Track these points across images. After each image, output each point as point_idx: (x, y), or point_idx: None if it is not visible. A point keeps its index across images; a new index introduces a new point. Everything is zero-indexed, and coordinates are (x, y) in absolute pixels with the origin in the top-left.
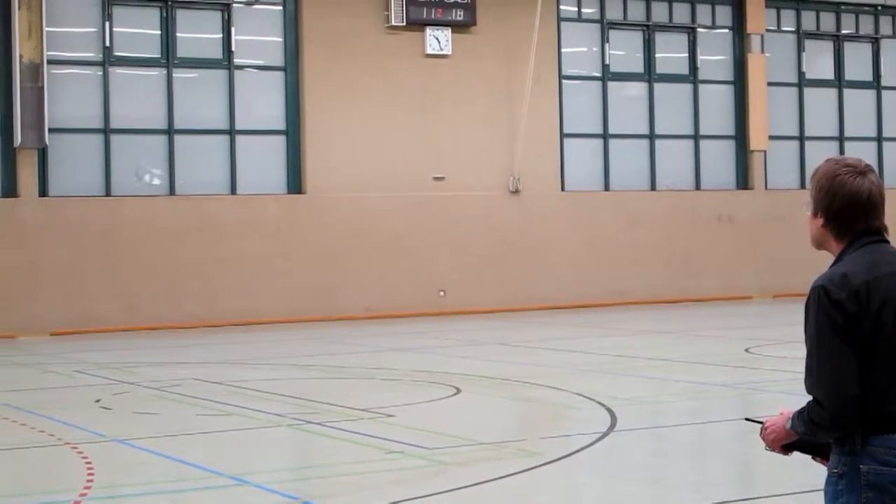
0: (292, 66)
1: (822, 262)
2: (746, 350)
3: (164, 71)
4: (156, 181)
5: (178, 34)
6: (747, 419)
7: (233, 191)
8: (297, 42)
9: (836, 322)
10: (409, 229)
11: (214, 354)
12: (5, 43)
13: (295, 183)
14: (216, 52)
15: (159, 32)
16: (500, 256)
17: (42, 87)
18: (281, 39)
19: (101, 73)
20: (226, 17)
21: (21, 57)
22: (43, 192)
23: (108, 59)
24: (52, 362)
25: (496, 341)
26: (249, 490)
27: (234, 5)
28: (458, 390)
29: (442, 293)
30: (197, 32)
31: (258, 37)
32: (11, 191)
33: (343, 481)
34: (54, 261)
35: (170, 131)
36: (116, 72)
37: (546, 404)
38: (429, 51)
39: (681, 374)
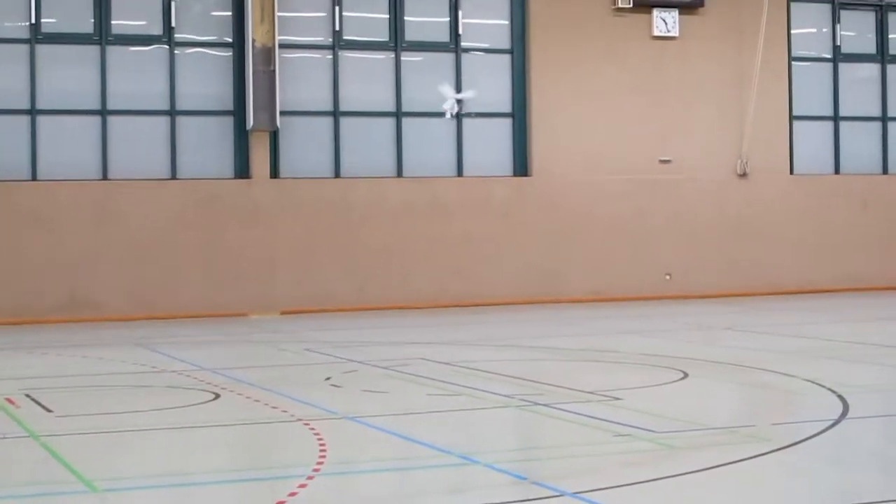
0: (519, 49)
1: None
2: None
3: (393, 54)
4: None
5: (406, 18)
6: None
7: (459, 173)
8: (523, 25)
9: None
10: (636, 212)
11: (442, 335)
12: (238, 28)
13: (521, 165)
14: (443, 36)
15: (388, 16)
16: (728, 240)
17: (274, 71)
18: (507, 22)
19: (330, 56)
20: (453, 0)
21: (254, 41)
22: (274, 173)
23: (338, 43)
24: (283, 340)
25: (723, 326)
26: (478, 469)
27: None
28: (686, 374)
29: (668, 277)
30: (424, 16)
31: (485, 20)
32: (244, 172)
33: (572, 463)
34: (285, 241)
35: (398, 114)
36: (346, 55)
37: (776, 390)
38: (656, 32)
39: None
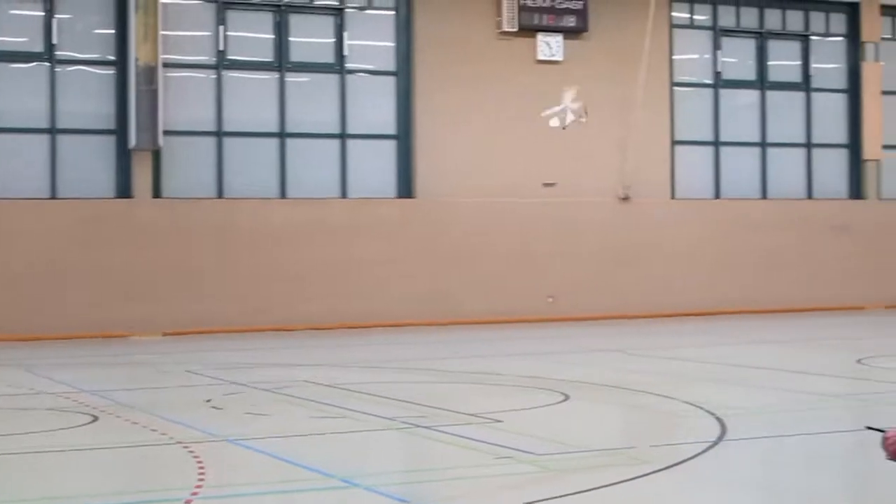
0: (404, 71)
1: None
2: (859, 361)
3: (277, 75)
4: None
5: (290, 38)
6: (869, 427)
7: (344, 194)
8: (409, 47)
9: None
10: (519, 235)
11: (327, 357)
12: (121, 46)
13: (406, 187)
14: (328, 57)
15: (272, 37)
16: (611, 263)
17: (156, 90)
18: (393, 44)
19: (214, 76)
20: (338, 21)
21: (137, 60)
22: (156, 193)
23: (222, 63)
24: (164, 362)
25: (605, 348)
26: (359, 492)
27: (347, 10)
28: (567, 396)
29: (550, 299)
30: (309, 37)
31: (370, 41)
32: (126, 192)
33: (453, 485)
34: (168, 261)
35: (282, 134)
36: (230, 75)
37: (655, 412)
38: (540, 57)
39: (792, 384)
